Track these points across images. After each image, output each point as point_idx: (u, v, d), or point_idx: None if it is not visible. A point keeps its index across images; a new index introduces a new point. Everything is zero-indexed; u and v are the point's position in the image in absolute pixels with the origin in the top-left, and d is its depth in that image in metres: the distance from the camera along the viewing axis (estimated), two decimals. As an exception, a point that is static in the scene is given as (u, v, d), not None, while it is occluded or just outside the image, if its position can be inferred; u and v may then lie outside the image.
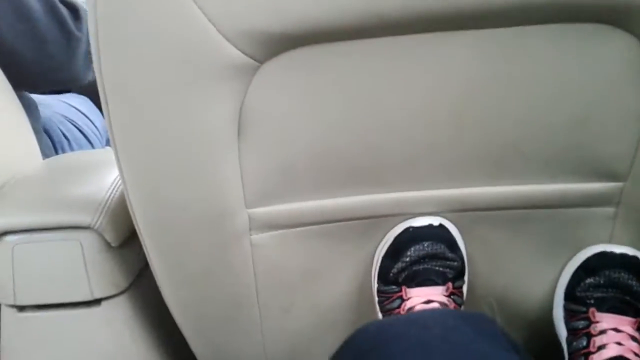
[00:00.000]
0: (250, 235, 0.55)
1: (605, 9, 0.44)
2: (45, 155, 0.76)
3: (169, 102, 0.46)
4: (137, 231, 0.54)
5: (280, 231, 0.56)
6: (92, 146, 1.07)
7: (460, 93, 0.48)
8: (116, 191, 0.60)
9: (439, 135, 0.50)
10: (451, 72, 0.47)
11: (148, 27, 0.43)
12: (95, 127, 1.13)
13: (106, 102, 0.46)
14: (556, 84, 0.48)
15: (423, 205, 0.55)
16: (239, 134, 0.49)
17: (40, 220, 0.57)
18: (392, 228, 0.57)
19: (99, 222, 0.56)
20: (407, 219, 0.56)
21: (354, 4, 0.42)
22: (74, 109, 1.11)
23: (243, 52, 0.44)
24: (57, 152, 0.97)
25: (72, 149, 1.01)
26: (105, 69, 0.45)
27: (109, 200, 0.58)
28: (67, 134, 1.02)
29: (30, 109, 0.91)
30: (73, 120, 1.08)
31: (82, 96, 1.19)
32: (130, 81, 0.45)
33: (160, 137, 0.48)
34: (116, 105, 0.46)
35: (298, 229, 0.56)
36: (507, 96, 0.48)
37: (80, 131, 1.07)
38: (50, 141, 0.96)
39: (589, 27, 0.46)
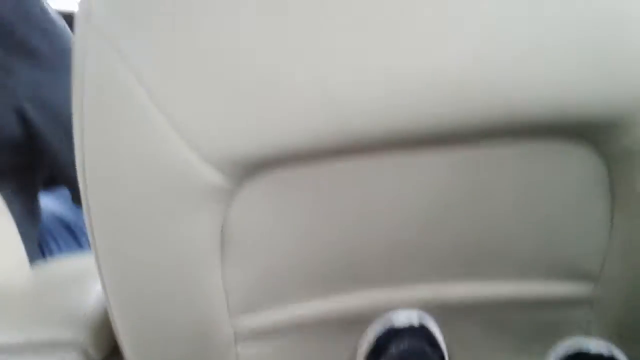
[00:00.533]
0: (237, 346, 0.55)
1: (572, 127, 0.46)
2: (32, 259, 0.77)
3: (151, 223, 0.47)
4: (120, 345, 0.54)
5: (266, 340, 0.56)
6: (80, 245, 1.08)
7: (434, 202, 0.50)
8: (100, 305, 0.60)
9: (415, 240, 0.52)
10: (425, 184, 0.49)
11: (132, 154, 0.44)
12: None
13: (91, 225, 0.48)
14: (525, 195, 0.50)
15: (402, 301, 0.56)
16: (221, 251, 0.50)
17: (23, 338, 0.57)
18: (372, 323, 0.58)
19: (82, 338, 0.56)
20: (388, 312, 0.57)
21: (329, 129, 0.43)
22: (65, 205, 1.13)
23: (223, 175, 0.45)
24: (44, 255, 0.98)
25: (60, 250, 1.01)
26: (91, 194, 0.46)
27: (93, 315, 0.58)
28: (55, 234, 1.03)
29: (35, 217, 0.93)
30: (62, 218, 1.09)
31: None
32: (113, 204, 0.46)
33: (143, 256, 0.49)
34: (100, 226, 0.47)
35: (285, 337, 0.56)
36: (479, 205, 0.50)
37: (69, 227, 1.08)
38: (39, 245, 0.97)
39: (557, 144, 0.47)
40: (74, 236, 1.09)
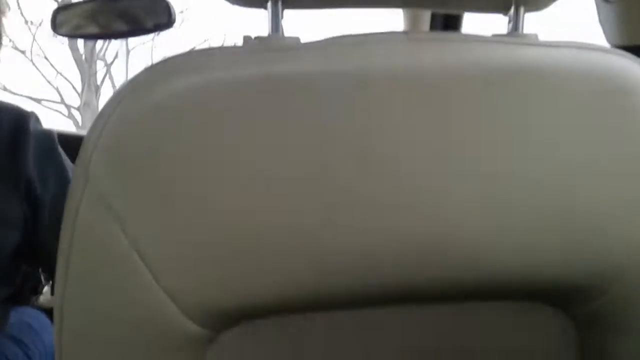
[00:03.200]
0: None
1: (542, 291, 0.49)
2: None
3: None
4: None
5: None
6: None
7: (404, 358, 0.51)
8: None
9: None
10: (396, 341, 0.51)
11: (111, 304, 0.45)
12: (43, 342, 1.11)
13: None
14: (493, 353, 0.52)
15: None
16: None
17: None
18: None
19: None
20: None
21: (306, 285, 0.45)
22: (25, 325, 1.10)
23: (200, 325, 0.45)
24: None
25: None
26: (65, 339, 0.46)
27: None
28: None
29: None
30: (21, 340, 1.06)
31: (37, 311, 1.19)
32: (87, 350, 0.46)
33: None
34: None
35: None
36: None
37: (26, 354, 1.05)
38: None
39: (524, 305, 0.50)
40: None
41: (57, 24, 1.18)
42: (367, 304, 0.48)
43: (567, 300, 0.50)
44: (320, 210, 0.43)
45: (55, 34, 1.24)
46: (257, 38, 0.47)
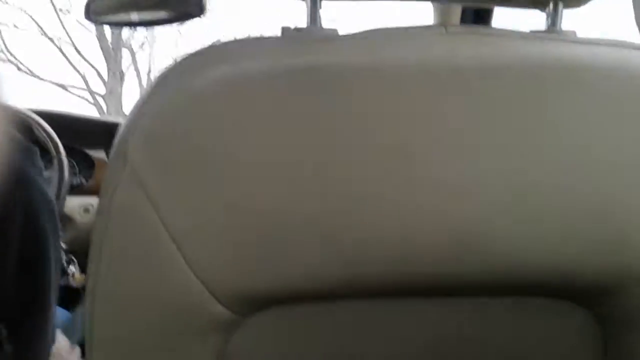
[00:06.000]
0: None
1: (566, 290, 0.49)
2: None
3: (152, 352, 0.47)
4: None
5: None
6: None
7: (426, 350, 0.52)
8: None
9: None
10: (419, 332, 0.51)
11: (143, 286, 0.46)
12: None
13: (91, 350, 0.48)
14: (518, 349, 0.52)
15: None
16: None
17: None
18: None
19: None
20: None
21: (334, 272, 0.45)
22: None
23: (229, 309, 0.46)
24: None
25: None
26: (97, 322, 0.47)
27: None
28: None
29: None
30: None
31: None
32: (117, 331, 0.47)
33: None
34: (100, 352, 0.48)
35: None
36: (469, 355, 0.52)
37: None
38: None
39: (547, 301, 0.50)
40: None
41: (91, 11, 1.20)
42: (393, 294, 0.48)
43: (592, 299, 0.50)
44: (350, 200, 0.44)
45: (88, 21, 1.27)
46: (295, 29, 0.48)
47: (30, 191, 0.67)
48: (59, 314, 1.20)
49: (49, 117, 1.34)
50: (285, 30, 0.48)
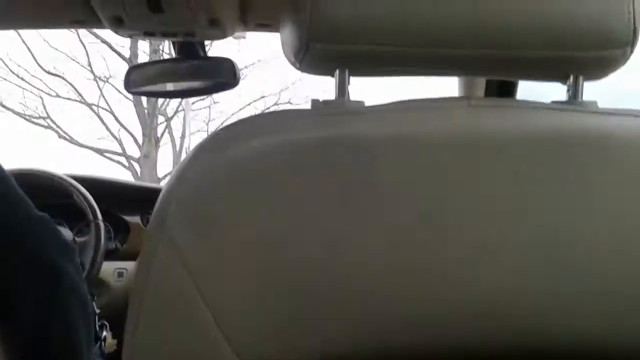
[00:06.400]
0: None
1: (597, 358, 0.47)
2: None
3: None
4: None
5: None
6: None
7: None
8: None
9: None
10: None
11: (177, 350, 0.46)
12: None
13: None
14: None
15: None
16: None
17: None
18: None
19: None
20: None
21: (367, 344, 0.45)
22: None
23: None
24: None
25: None
26: None
27: None
28: None
29: None
30: None
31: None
32: None
33: None
34: None
35: None
36: None
37: None
38: None
39: None
40: None
41: (130, 82, 1.26)
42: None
43: None
44: (380, 269, 0.44)
45: (127, 91, 1.32)
46: (324, 102, 0.50)
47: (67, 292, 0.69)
48: None
49: (86, 182, 1.39)
50: (314, 102, 0.50)
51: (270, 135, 0.46)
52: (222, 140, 0.47)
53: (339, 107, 0.49)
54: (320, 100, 0.50)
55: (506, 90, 1.01)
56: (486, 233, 0.44)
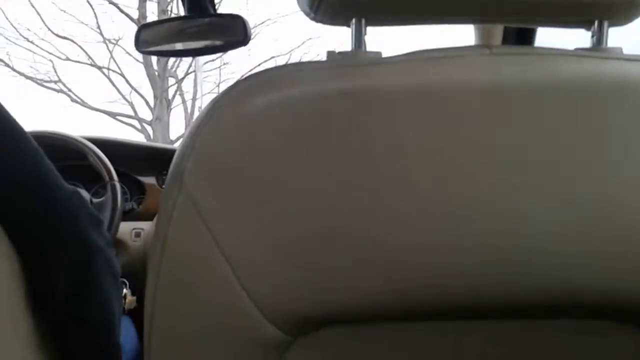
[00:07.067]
0: None
1: (614, 308, 0.47)
2: None
3: None
4: None
5: None
6: None
7: None
8: None
9: None
10: (470, 356, 0.51)
11: (200, 304, 0.47)
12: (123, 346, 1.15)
13: None
14: None
15: None
16: None
17: None
18: None
19: None
20: None
21: (383, 295, 0.46)
22: None
23: (280, 330, 0.47)
24: None
25: None
26: (154, 343, 0.49)
27: None
28: None
29: None
30: None
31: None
32: (175, 353, 0.49)
33: None
34: None
35: None
36: None
37: None
38: None
39: (599, 323, 0.49)
40: None
41: (140, 41, 1.24)
42: (444, 317, 0.48)
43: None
44: (398, 222, 0.44)
45: (138, 50, 1.31)
46: (340, 53, 0.49)
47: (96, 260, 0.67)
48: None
49: (101, 144, 1.39)
50: (330, 54, 0.49)
51: (286, 88, 0.45)
52: (237, 94, 0.46)
53: (356, 59, 0.48)
54: (337, 51, 0.49)
55: (525, 38, 0.99)
56: (510, 182, 0.44)
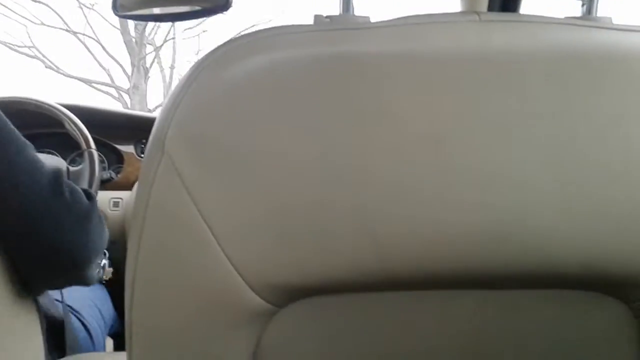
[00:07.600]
0: None
1: (601, 282, 0.48)
2: None
3: (190, 342, 0.48)
4: None
5: None
6: (92, 341, 1.08)
7: (462, 342, 0.51)
8: None
9: None
10: (454, 325, 0.51)
11: (180, 276, 0.46)
12: (102, 316, 1.15)
13: (130, 337, 0.49)
14: (550, 341, 0.51)
15: None
16: None
17: None
18: None
19: None
20: None
21: (369, 264, 0.45)
22: (85, 298, 1.14)
23: (264, 299, 0.47)
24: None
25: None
26: (136, 311, 0.48)
27: None
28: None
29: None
30: (79, 314, 1.09)
31: (98, 284, 1.22)
32: (156, 322, 0.48)
33: None
34: (139, 337, 0.49)
35: None
36: (504, 348, 0.51)
37: (84, 326, 1.08)
38: None
39: (583, 294, 0.50)
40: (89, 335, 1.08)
41: (118, 5, 1.21)
42: (428, 287, 0.48)
43: (629, 292, 0.49)
44: (383, 190, 0.43)
45: (115, 14, 1.28)
46: (328, 17, 0.47)
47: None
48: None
49: (78, 111, 1.36)
50: (318, 18, 0.47)
51: (271, 51, 0.44)
52: (220, 58, 0.44)
53: (344, 22, 0.46)
54: (324, 15, 0.48)
55: (510, 5, 0.98)
56: (496, 151, 0.43)
